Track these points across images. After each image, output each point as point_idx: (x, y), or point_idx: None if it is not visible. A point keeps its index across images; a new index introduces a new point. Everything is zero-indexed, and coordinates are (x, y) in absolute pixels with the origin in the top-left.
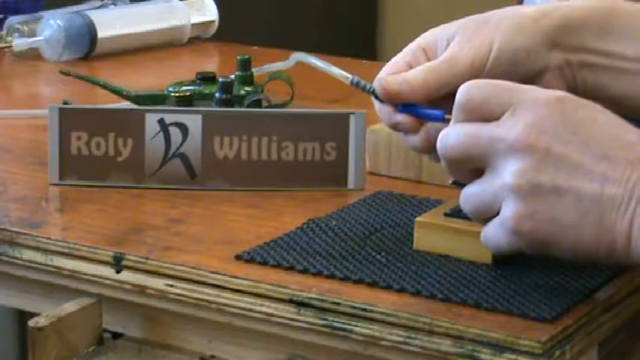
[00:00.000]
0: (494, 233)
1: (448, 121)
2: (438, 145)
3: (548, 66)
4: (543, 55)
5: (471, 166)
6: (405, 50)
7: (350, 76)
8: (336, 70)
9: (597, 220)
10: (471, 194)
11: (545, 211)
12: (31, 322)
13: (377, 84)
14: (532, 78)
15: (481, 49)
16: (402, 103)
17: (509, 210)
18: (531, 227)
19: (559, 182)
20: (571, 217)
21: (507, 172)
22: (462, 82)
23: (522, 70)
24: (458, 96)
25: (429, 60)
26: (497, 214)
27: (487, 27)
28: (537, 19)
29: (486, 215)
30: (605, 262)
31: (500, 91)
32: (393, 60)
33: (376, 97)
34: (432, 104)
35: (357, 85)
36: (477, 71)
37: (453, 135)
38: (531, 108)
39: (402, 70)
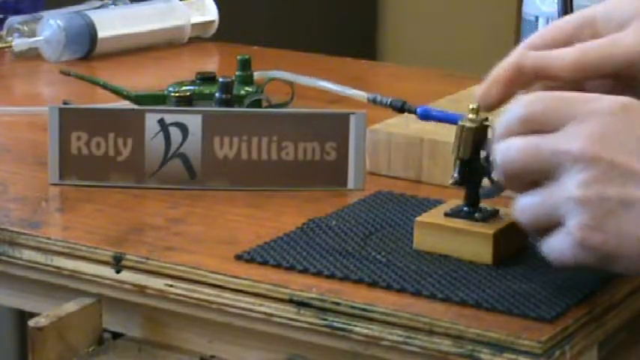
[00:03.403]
0: (560, 245)
1: None
2: (499, 159)
3: None
4: None
5: (531, 179)
6: (574, 16)
7: (365, 94)
8: (349, 91)
9: None
10: (530, 205)
11: (613, 224)
12: (31, 322)
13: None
14: None
15: None
16: (423, 110)
17: (575, 222)
18: (599, 240)
19: (626, 194)
20: (639, 230)
21: (572, 184)
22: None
23: None
24: (518, 108)
25: (595, 33)
26: (556, 226)
27: None
28: None
29: (544, 227)
30: None
31: (561, 102)
32: (556, 23)
33: (395, 109)
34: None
35: (374, 101)
36: None
37: (514, 149)
38: (594, 118)
39: (567, 32)
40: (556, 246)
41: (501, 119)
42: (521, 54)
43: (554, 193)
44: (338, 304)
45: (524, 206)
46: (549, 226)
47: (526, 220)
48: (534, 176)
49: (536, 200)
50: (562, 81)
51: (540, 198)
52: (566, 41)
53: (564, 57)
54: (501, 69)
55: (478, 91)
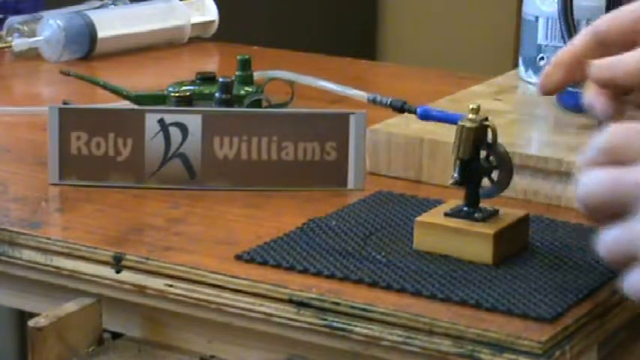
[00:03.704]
0: (638, 282)
1: None
2: (579, 191)
3: None
4: None
5: (612, 212)
6: (637, 5)
7: (365, 94)
8: (350, 91)
9: None
10: (610, 240)
11: None
12: (31, 322)
13: (594, 69)
14: None
15: None
16: (422, 110)
17: None
18: None
19: None
20: None
21: None
22: None
23: None
24: (600, 139)
25: None
26: (636, 261)
27: None
28: None
29: (621, 260)
30: None
31: None
32: (619, 12)
33: (395, 109)
34: None
35: (374, 101)
36: None
37: (594, 181)
38: None
39: (629, 22)
40: (635, 282)
41: (585, 151)
42: (588, 64)
43: (633, 228)
44: (338, 304)
45: (605, 239)
46: (626, 260)
47: (606, 255)
48: (615, 209)
49: (615, 234)
50: (630, 88)
51: (619, 232)
52: (630, 30)
53: (629, 63)
54: (565, 54)
55: (542, 74)
